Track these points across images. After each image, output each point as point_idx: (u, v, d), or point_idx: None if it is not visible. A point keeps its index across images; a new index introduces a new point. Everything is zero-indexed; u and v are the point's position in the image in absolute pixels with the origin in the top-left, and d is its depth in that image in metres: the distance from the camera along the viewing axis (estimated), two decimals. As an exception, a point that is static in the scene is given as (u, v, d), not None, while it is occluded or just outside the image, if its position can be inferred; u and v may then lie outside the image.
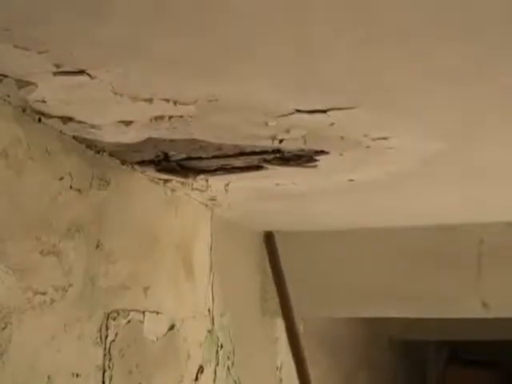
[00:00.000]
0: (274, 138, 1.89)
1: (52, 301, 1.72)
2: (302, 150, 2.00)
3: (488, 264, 2.98)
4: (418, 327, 6.07)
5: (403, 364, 7.19)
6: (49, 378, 1.69)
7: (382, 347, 6.31)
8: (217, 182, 2.35)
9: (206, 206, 2.68)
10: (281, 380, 3.56)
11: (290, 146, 1.94)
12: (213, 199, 2.61)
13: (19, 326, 1.59)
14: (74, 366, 1.79)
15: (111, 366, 1.94)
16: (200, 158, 2.08)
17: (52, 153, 1.78)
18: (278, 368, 3.55)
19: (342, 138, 1.87)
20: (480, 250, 3.00)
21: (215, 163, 2.12)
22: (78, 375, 1.80)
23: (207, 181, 2.34)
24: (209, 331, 2.62)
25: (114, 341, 1.97)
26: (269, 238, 2.30)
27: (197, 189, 2.42)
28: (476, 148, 1.99)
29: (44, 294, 1.69)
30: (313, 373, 4.07)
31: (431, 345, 8.01)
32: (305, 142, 1.91)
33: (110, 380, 1.94)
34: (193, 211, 2.57)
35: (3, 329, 1.54)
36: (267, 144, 1.94)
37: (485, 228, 2.99)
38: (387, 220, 3.04)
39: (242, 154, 2.02)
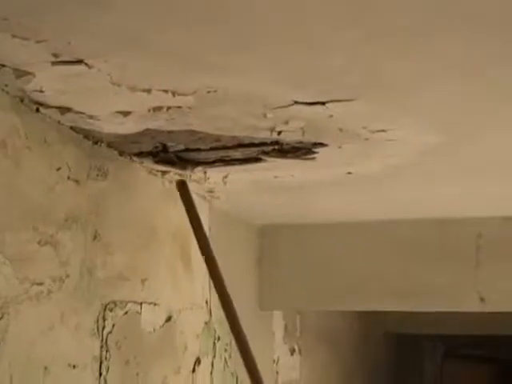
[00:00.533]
0: (272, 130, 1.89)
1: (49, 291, 1.71)
2: (301, 142, 1.99)
3: (486, 258, 2.98)
4: (414, 321, 6.08)
5: (400, 358, 7.19)
6: (45, 368, 1.69)
7: (378, 340, 6.32)
8: (215, 174, 2.34)
9: (204, 198, 2.68)
10: (277, 373, 3.56)
11: (289, 137, 1.94)
12: (211, 191, 2.61)
13: (16, 316, 1.59)
14: (70, 357, 1.79)
15: (108, 357, 1.94)
16: (198, 150, 2.07)
17: (50, 143, 1.77)
18: (274, 361, 3.56)
19: (341, 129, 1.86)
20: (478, 244, 3.00)
21: (214, 155, 2.11)
22: (74, 366, 1.80)
23: (205, 173, 2.33)
24: (206, 323, 2.62)
25: (111, 332, 1.96)
26: (182, 186, 2.26)
27: (195, 181, 2.41)
28: (474, 142, 1.99)
29: (41, 284, 1.69)
30: (309, 365, 4.09)
31: (428, 339, 8.02)
32: (303, 133, 1.91)
33: (107, 371, 1.94)
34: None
35: (0, 319, 1.54)
36: (266, 136, 1.94)
37: (483, 222, 2.99)
38: (385, 213, 3.04)
39: (241, 145, 2.01)
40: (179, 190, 2.29)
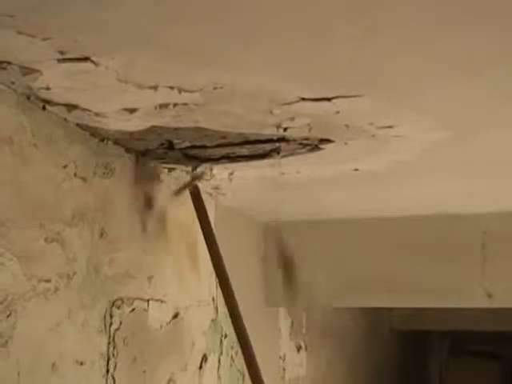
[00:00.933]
0: (278, 127, 1.88)
1: (56, 288, 1.72)
2: (307, 139, 1.99)
3: (492, 254, 2.98)
4: (419, 318, 6.08)
5: (405, 354, 7.19)
6: (53, 365, 1.69)
7: (383, 337, 6.32)
8: (221, 171, 2.34)
9: (211, 194, 2.68)
10: (284, 369, 3.56)
11: (295, 134, 1.94)
12: (217, 188, 2.61)
13: (24, 313, 1.59)
14: (78, 354, 1.79)
15: (115, 353, 1.94)
16: (205, 147, 2.07)
17: (56, 141, 1.77)
18: (281, 357, 3.56)
19: (347, 126, 1.86)
20: (484, 240, 2.99)
21: (220, 152, 2.11)
22: (82, 363, 1.80)
23: (211, 170, 2.33)
24: (212, 320, 2.63)
25: (118, 329, 1.97)
26: (195, 194, 2.30)
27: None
28: (479, 139, 1.99)
29: (48, 281, 1.69)
30: (315, 361, 4.09)
31: (433, 335, 8.02)
32: (310, 130, 1.91)
33: (115, 368, 1.94)
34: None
35: (8, 316, 1.54)
36: (272, 132, 1.93)
37: (488, 218, 2.98)
38: (390, 210, 3.03)
39: (247, 142, 2.01)
40: (192, 198, 2.32)
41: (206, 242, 2.31)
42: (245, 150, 2.09)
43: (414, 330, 6.82)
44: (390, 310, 5.77)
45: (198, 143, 2.04)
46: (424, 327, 6.56)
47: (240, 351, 2.33)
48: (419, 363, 7.84)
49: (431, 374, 8.23)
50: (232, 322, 2.29)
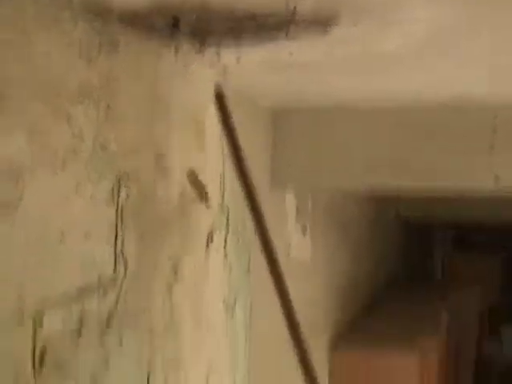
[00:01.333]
0: (287, 4, 1.85)
1: (64, 162, 1.73)
2: (316, 18, 1.96)
3: (502, 139, 2.98)
4: (426, 207, 6.15)
5: (410, 243, 7.31)
6: (62, 234, 1.72)
7: (388, 225, 6.41)
8: (228, 53, 2.32)
9: (218, 77, 2.65)
10: (288, 254, 3.63)
11: (304, 12, 1.90)
12: (224, 71, 2.58)
13: (30, 184, 1.61)
14: (86, 226, 1.82)
15: (123, 228, 1.98)
16: (211, 26, 2.04)
17: (60, 21, 1.74)
18: (288, 245, 3.62)
19: (357, 5, 1.82)
20: (494, 126, 2.99)
21: (227, 30, 2.08)
22: (90, 234, 1.84)
23: (218, 54, 2.31)
24: (220, 198, 2.65)
25: (125, 204, 1.99)
26: (220, 100, 2.20)
27: (208, 60, 2.39)
28: (492, 23, 1.95)
29: (55, 155, 1.70)
30: (320, 248, 4.16)
31: (439, 225, 8.12)
32: (319, 9, 1.87)
33: (122, 242, 1.98)
34: (204, 83, 2.55)
35: (14, 186, 1.56)
36: (281, 10, 1.90)
37: (500, 104, 2.97)
38: (399, 97, 3.02)
39: (255, 19, 1.98)
40: (217, 105, 2.29)
41: (234, 160, 2.29)
42: (252, 30, 2.06)
43: (420, 220, 6.90)
44: (396, 199, 5.82)
45: (204, 21, 2.01)
46: (430, 217, 6.63)
47: (246, 228, 2.36)
48: (424, 252, 7.98)
49: (435, 264, 8.38)
50: (245, 198, 2.30)
